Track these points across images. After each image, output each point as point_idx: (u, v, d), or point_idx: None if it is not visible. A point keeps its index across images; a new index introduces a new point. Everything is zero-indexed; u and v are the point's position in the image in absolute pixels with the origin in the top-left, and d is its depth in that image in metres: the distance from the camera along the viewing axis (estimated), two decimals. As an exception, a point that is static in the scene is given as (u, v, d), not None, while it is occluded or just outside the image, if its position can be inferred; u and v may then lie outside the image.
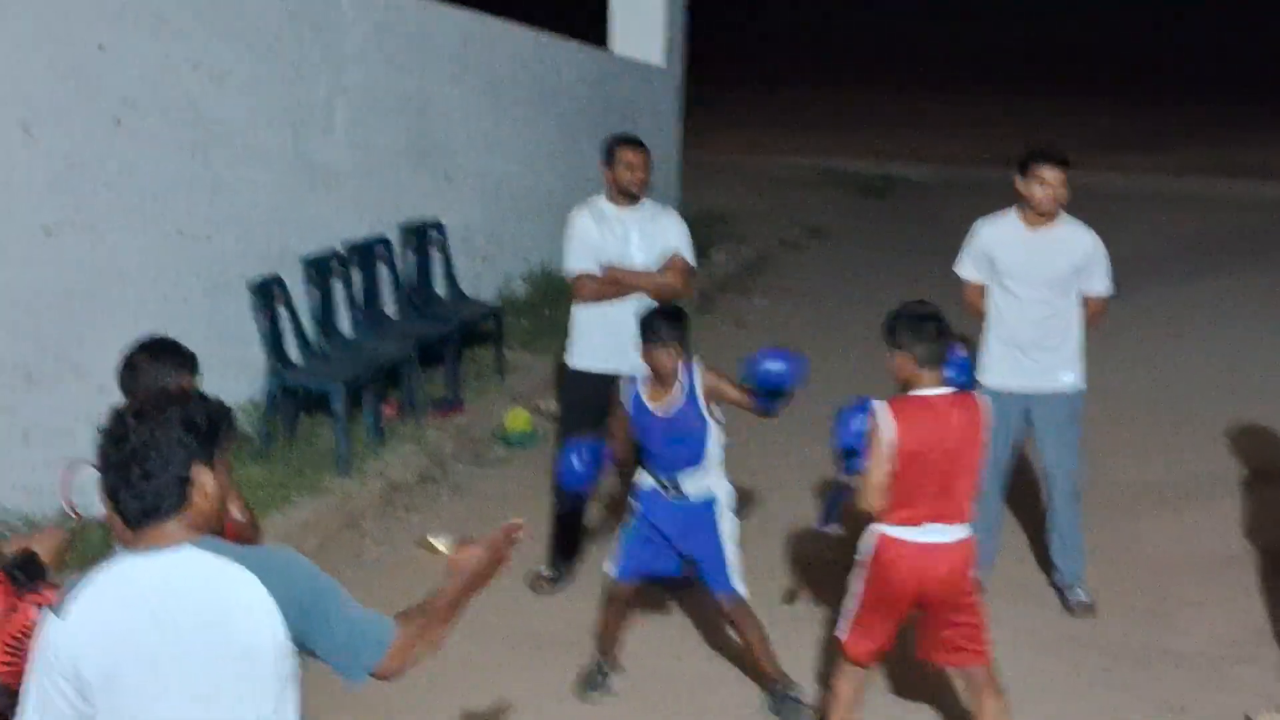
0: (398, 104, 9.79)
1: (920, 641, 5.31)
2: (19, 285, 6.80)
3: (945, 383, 5.12)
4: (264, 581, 3.06)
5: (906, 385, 5.11)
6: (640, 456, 5.98)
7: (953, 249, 7.03)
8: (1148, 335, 11.27)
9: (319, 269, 8.76)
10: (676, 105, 14.37)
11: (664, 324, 5.83)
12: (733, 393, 5.86)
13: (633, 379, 5.98)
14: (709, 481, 5.92)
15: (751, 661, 6.00)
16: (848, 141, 20.39)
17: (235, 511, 4.54)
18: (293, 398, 8.31)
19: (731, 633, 6.15)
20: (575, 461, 5.83)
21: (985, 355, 6.81)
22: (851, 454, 5.16)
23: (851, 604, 5.25)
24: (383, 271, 9.45)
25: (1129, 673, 6.28)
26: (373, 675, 3.24)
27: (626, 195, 6.95)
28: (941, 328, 5.09)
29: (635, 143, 7.02)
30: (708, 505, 5.93)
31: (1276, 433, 8.67)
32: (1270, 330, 11.01)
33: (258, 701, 3.09)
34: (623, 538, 6.08)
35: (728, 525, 5.94)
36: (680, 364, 5.85)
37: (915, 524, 5.05)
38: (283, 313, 8.39)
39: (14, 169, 6.72)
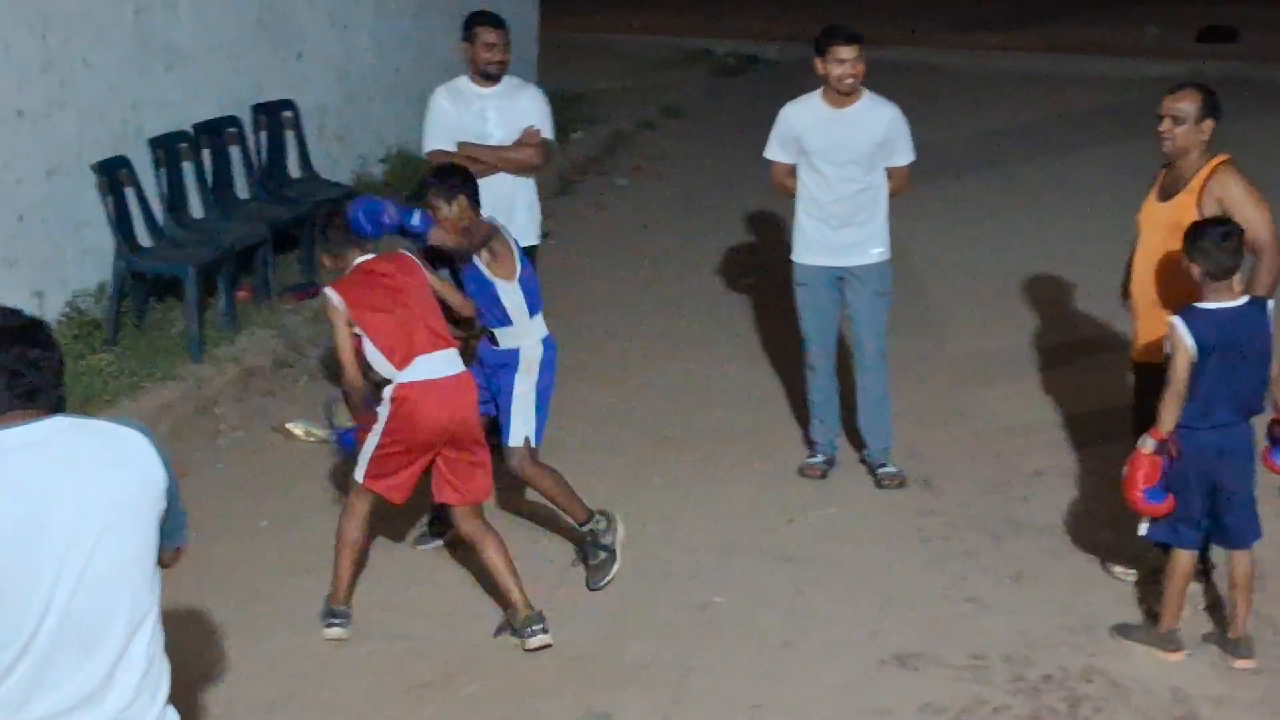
0: (244, -21, 9.54)
1: (435, 483, 5.64)
2: None
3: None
4: (144, 435, 3.23)
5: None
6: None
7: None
8: (999, 212, 11.50)
9: (167, 150, 8.57)
10: (534, -17, 14.20)
11: (435, 182, 5.83)
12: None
13: None
14: (520, 340, 5.91)
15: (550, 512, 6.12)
16: (706, 20, 20.30)
17: None
18: (142, 282, 8.18)
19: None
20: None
21: (798, 233, 6.96)
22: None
23: (370, 449, 5.52)
24: (234, 152, 9.27)
25: (972, 541, 6.48)
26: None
27: (486, 75, 6.97)
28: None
29: (495, 21, 7.00)
30: (513, 354, 5.93)
31: (1106, 303, 8.90)
32: (1115, 204, 11.25)
33: (148, 546, 3.19)
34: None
35: (523, 381, 5.93)
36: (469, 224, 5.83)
37: (410, 361, 5.45)
38: (130, 195, 8.21)
39: None
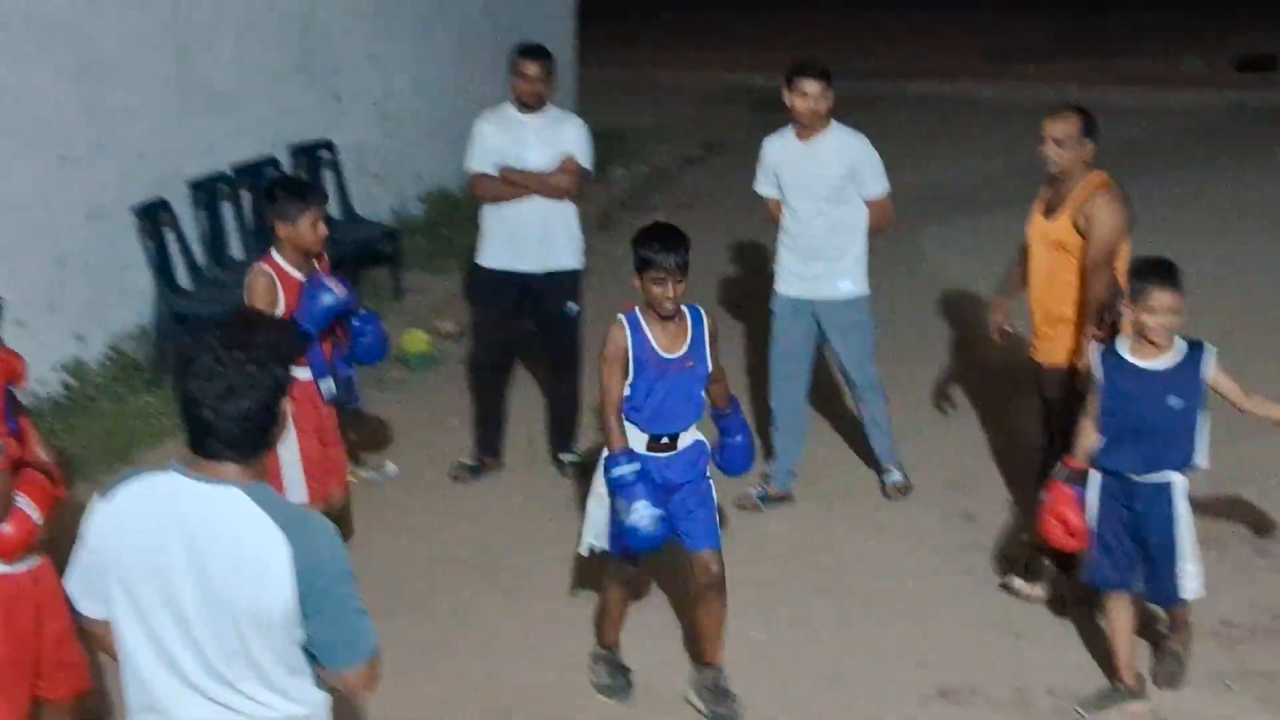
0: (282, 22, 9.62)
1: None
2: (-107, 214, 6.64)
3: None
4: (292, 547, 3.03)
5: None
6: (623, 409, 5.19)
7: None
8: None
9: (207, 192, 8.64)
10: (571, 21, 14.27)
11: (682, 252, 5.07)
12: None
13: (631, 313, 5.18)
14: (695, 429, 5.32)
15: (703, 636, 5.39)
16: (748, 54, 20.33)
17: (40, 451, 4.50)
18: (183, 324, 8.20)
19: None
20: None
21: (777, 265, 7.03)
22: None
23: (294, 464, 5.61)
24: (274, 194, 9.31)
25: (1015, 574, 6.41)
26: (327, 675, 3.23)
27: (525, 104, 7.14)
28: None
29: (533, 53, 7.18)
30: (697, 447, 5.31)
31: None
32: (1159, 235, 11.18)
33: (256, 654, 3.09)
34: (605, 514, 5.24)
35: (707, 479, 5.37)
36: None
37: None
38: (170, 237, 8.27)
39: (-117, 94, 6.55)
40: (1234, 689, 5.51)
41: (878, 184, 6.87)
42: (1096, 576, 5.37)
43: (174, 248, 8.30)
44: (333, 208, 9.85)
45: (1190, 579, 5.28)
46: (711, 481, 5.35)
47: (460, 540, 6.72)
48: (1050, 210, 6.02)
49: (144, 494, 3.12)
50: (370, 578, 6.17)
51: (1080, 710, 5.37)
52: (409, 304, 9.72)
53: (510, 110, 7.22)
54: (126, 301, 8.10)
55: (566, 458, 7.45)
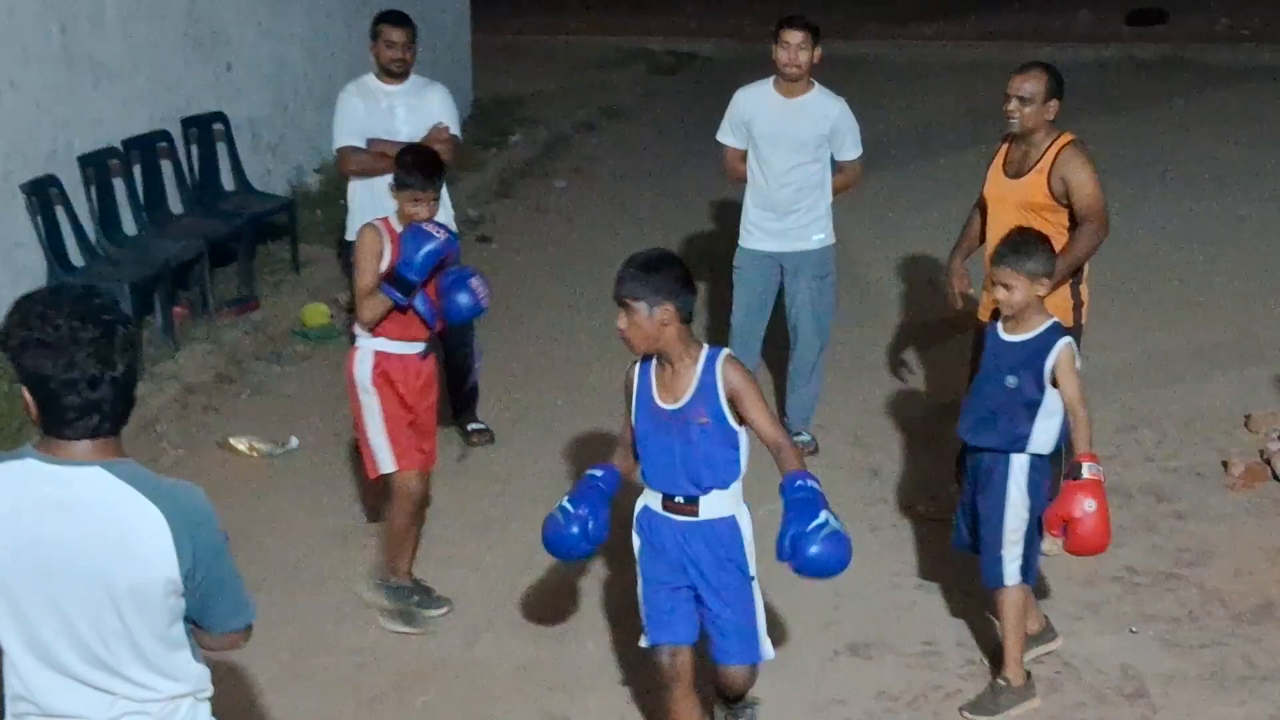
0: (169, -8, 9.45)
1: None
2: None
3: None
4: (168, 520, 2.97)
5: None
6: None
7: (740, 123, 7.06)
8: (937, 202, 11.53)
9: (97, 167, 8.47)
10: (464, -13, 14.16)
11: (628, 278, 4.37)
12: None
13: (645, 359, 4.46)
14: (730, 501, 4.55)
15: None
16: (641, 19, 20.30)
17: None
18: (77, 302, 8.06)
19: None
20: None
21: (744, 219, 7.05)
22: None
23: (378, 433, 5.57)
24: (166, 167, 9.17)
25: (921, 528, 6.48)
26: (204, 636, 3.21)
27: (390, 73, 7.06)
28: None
29: (397, 20, 7.10)
30: (729, 527, 4.56)
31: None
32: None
33: (136, 634, 3.03)
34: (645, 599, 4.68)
35: (751, 559, 4.60)
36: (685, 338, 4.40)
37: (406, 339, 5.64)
38: (61, 214, 8.11)
39: None
40: (1137, 633, 5.64)
41: (854, 149, 7.00)
42: (954, 537, 5.38)
43: (65, 224, 8.13)
44: (227, 181, 9.74)
45: (1009, 565, 5.03)
46: (755, 582, 4.59)
47: (366, 512, 6.68)
48: (1015, 170, 5.93)
49: (2, 483, 3.02)
50: (274, 551, 6.21)
51: (988, 662, 5.44)
52: (307, 277, 9.61)
53: (373, 81, 7.12)
54: (18, 280, 7.91)
55: (472, 426, 7.42)
